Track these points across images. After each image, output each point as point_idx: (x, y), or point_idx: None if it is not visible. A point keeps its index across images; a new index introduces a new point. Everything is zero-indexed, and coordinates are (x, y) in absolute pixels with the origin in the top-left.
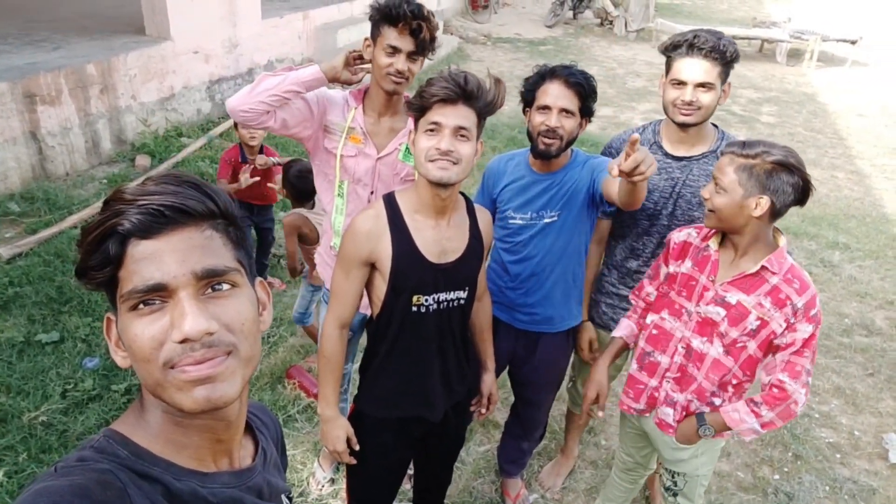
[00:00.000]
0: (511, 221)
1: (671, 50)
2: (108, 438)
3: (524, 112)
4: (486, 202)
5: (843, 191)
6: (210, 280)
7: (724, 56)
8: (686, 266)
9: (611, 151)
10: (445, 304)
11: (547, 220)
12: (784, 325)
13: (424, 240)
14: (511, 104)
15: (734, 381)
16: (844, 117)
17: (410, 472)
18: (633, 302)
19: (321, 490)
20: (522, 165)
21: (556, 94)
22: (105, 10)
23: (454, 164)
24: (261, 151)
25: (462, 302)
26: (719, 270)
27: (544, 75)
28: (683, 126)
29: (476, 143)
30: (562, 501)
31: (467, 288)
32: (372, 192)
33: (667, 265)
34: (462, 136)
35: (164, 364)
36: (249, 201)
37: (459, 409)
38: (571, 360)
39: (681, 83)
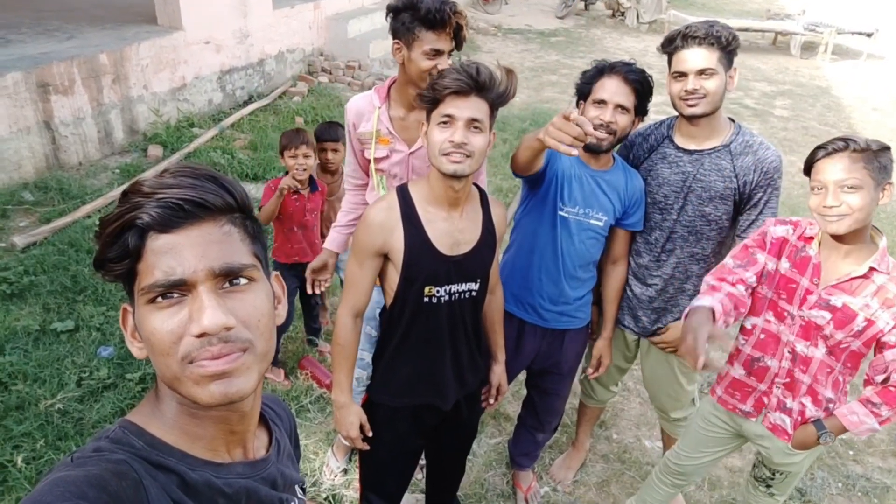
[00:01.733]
0: (559, 213)
1: (668, 46)
2: (124, 429)
3: (577, 105)
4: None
5: None
6: (228, 275)
7: (720, 41)
8: (784, 266)
9: (631, 145)
10: (457, 295)
11: (593, 222)
12: (892, 323)
13: (437, 231)
14: (522, 97)
15: (841, 379)
16: (859, 111)
17: (423, 462)
18: (713, 283)
19: (334, 479)
20: (575, 157)
21: (613, 90)
22: (117, 0)
23: (467, 156)
24: (311, 182)
25: (474, 294)
26: (822, 273)
27: (603, 70)
28: (692, 118)
29: (489, 134)
30: (573, 494)
31: (479, 280)
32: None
33: (763, 254)
34: (475, 127)
35: (182, 358)
36: (297, 261)
37: (472, 400)
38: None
39: (682, 74)
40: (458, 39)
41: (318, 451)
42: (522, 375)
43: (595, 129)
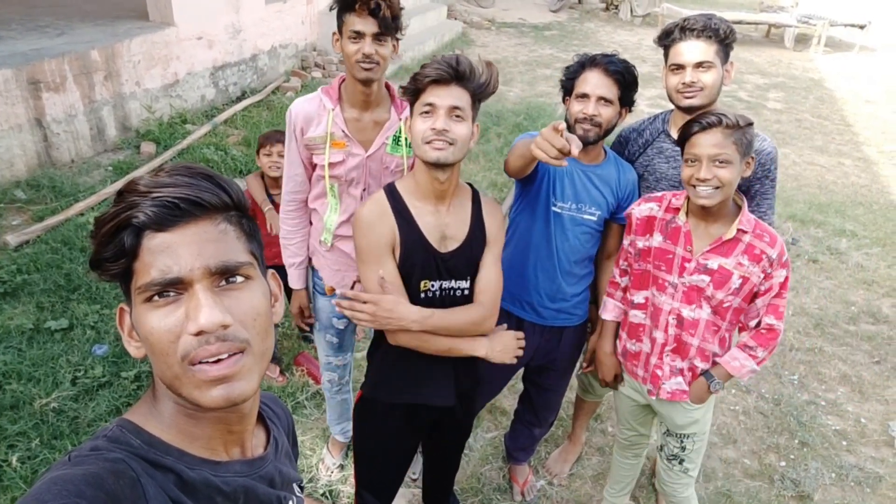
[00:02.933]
0: (553, 208)
1: (665, 38)
2: (121, 428)
3: (564, 101)
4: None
5: (851, 178)
6: (225, 273)
7: (718, 34)
8: (657, 240)
9: (626, 141)
10: (449, 292)
11: (586, 217)
12: (762, 275)
13: (426, 225)
14: (516, 91)
15: (727, 335)
16: (852, 103)
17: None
18: (615, 284)
19: (330, 476)
20: None
21: (594, 83)
22: None
23: (450, 144)
24: None
25: (466, 293)
26: (693, 240)
27: (584, 64)
28: (689, 110)
29: (471, 125)
30: (569, 488)
31: (469, 278)
32: (364, 189)
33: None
34: (457, 116)
35: (182, 358)
36: (277, 263)
37: (467, 400)
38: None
39: (679, 67)
40: (384, 22)
41: (314, 447)
42: (521, 370)
43: (580, 122)
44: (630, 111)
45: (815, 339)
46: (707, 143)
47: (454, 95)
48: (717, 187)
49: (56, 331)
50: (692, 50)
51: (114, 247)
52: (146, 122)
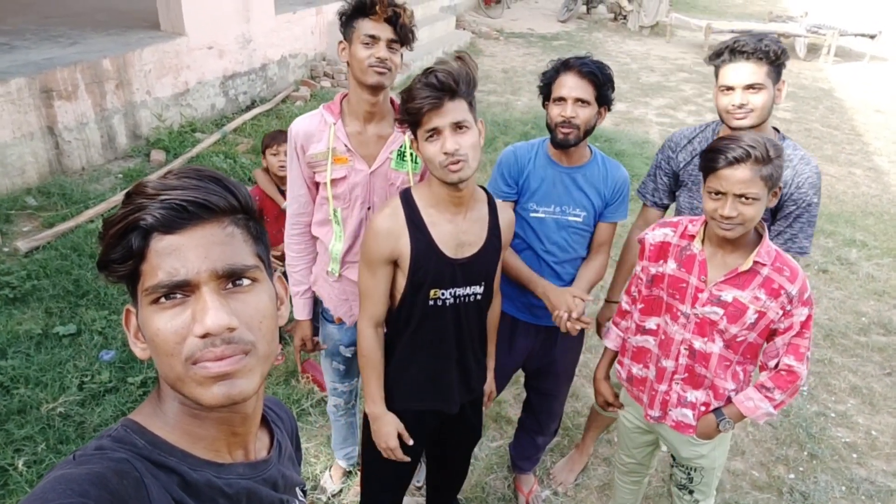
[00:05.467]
0: (534, 214)
1: (714, 59)
2: (126, 428)
3: (544, 106)
4: (503, 190)
5: (861, 187)
6: (231, 276)
7: (768, 55)
8: (670, 267)
9: (676, 147)
10: (462, 298)
11: (571, 219)
12: (781, 312)
13: (441, 234)
14: (524, 100)
15: (740, 370)
16: (862, 113)
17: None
18: (623, 312)
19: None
20: (542, 157)
21: (570, 85)
22: (120, 5)
23: (463, 160)
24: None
25: (479, 297)
26: (709, 270)
27: (559, 68)
28: (739, 130)
29: (476, 126)
30: (574, 498)
31: (483, 283)
32: (370, 208)
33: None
34: (461, 128)
35: (186, 359)
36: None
37: (476, 405)
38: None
39: (729, 88)
40: (401, 30)
41: (318, 454)
42: (522, 377)
43: (559, 125)
44: (609, 110)
45: (825, 350)
46: (734, 178)
47: (452, 111)
48: (741, 224)
49: (64, 336)
50: (743, 72)
51: (121, 248)
52: (156, 130)
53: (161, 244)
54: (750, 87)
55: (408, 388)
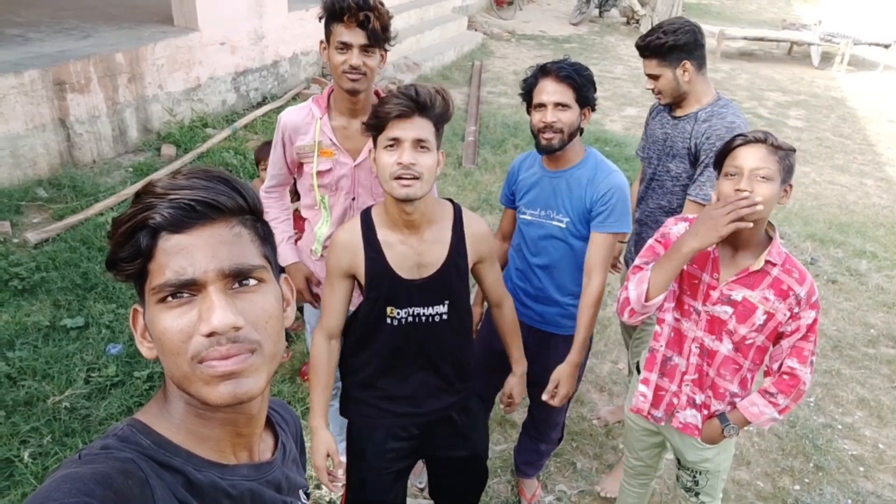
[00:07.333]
0: (522, 216)
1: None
2: (132, 427)
3: (528, 112)
4: (506, 195)
5: (872, 198)
6: (238, 276)
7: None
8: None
9: (653, 109)
10: (425, 318)
11: (556, 224)
12: (788, 314)
13: (395, 255)
14: None
15: (749, 376)
16: (875, 123)
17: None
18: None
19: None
20: (537, 161)
21: (549, 91)
22: (134, 0)
23: (416, 178)
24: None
25: (444, 317)
26: (721, 268)
27: (537, 74)
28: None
29: (437, 153)
30: None
31: (447, 302)
32: (354, 199)
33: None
34: (422, 147)
35: (192, 358)
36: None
37: (465, 411)
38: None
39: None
40: (373, 35)
41: None
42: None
43: (542, 131)
44: (593, 110)
45: (832, 361)
46: (751, 155)
47: (418, 127)
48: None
49: (71, 329)
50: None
51: (130, 247)
52: (167, 124)
53: (169, 243)
54: (652, 77)
55: (371, 406)
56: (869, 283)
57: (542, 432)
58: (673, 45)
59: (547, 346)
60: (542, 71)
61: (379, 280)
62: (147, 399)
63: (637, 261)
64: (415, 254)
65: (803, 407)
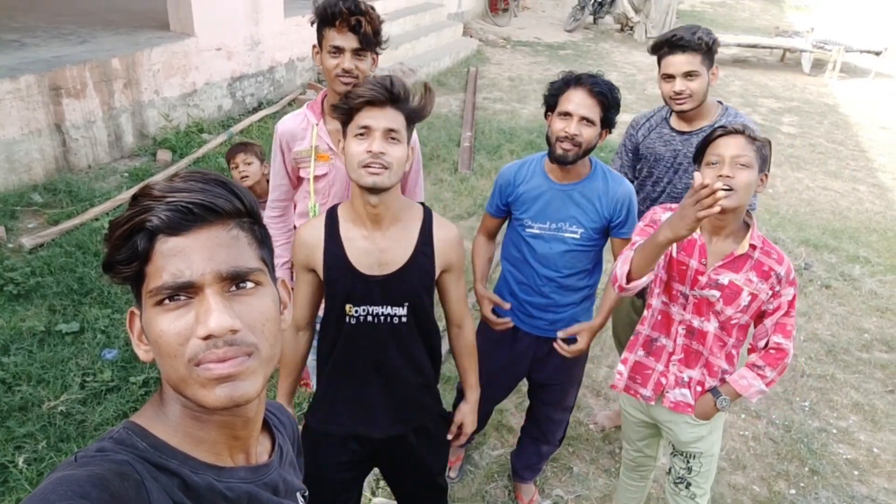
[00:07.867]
0: (528, 230)
1: (656, 50)
2: (128, 430)
3: (546, 116)
4: (496, 205)
5: (865, 204)
6: (235, 279)
7: (701, 46)
8: (674, 249)
9: (636, 125)
10: (382, 318)
11: (568, 235)
12: (770, 293)
13: (356, 250)
14: (530, 108)
15: (734, 352)
16: (867, 129)
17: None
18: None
19: None
20: (539, 173)
21: (578, 102)
22: (130, 5)
23: (385, 168)
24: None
25: (403, 320)
26: (708, 254)
27: (569, 82)
28: (682, 113)
29: (407, 147)
30: None
31: (406, 305)
32: None
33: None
34: (392, 138)
35: (189, 360)
36: None
37: (425, 435)
38: None
39: (670, 76)
40: (365, 39)
41: None
42: (525, 386)
43: (560, 140)
44: (610, 132)
45: (826, 366)
46: (731, 144)
47: (390, 118)
48: (734, 190)
49: (67, 334)
50: (680, 61)
51: (127, 250)
52: (163, 130)
53: (166, 246)
54: (687, 74)
55: (329, 408)
56: (862, 288)
57: (547, 432)
58: (712, 46)
59: (556, 353)
60: (577, 80)
61: (337, 272)
62: (143, 404)
63: (637, 238)
64: (377, 250)
65: (798, 411)
